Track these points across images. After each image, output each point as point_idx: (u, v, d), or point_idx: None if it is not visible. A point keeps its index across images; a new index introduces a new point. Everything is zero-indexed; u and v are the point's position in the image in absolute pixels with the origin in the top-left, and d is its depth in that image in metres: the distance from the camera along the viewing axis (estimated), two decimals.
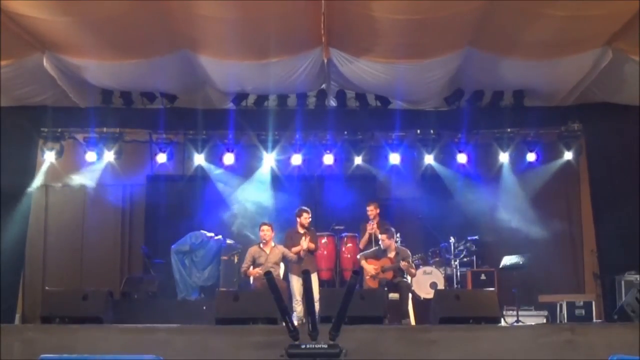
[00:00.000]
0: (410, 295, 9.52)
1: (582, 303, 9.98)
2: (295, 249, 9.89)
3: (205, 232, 11.34)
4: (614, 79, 9.23)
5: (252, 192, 11.42)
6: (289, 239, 10.06)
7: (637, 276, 9.36)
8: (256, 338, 6.78)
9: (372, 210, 10.39)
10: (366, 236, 10.27)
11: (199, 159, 10.85)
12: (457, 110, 10.30)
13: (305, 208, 10.19)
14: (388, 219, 10.80)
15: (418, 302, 9.92)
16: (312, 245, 9.96)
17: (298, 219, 10.08)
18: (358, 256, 9.96)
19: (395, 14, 7.63)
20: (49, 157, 10.57)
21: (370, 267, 9.60)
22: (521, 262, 10.05)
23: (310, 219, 10.08)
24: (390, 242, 9.70)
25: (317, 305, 7.74)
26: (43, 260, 11.77)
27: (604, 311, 9.96)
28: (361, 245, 10.41)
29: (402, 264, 9.46)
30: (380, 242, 9.77)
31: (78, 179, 11.48)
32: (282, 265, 9.93)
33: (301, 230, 10.03)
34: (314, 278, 9.92)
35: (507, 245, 10.90)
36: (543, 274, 10.96)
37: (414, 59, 8.76)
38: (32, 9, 7.52)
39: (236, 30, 8.08)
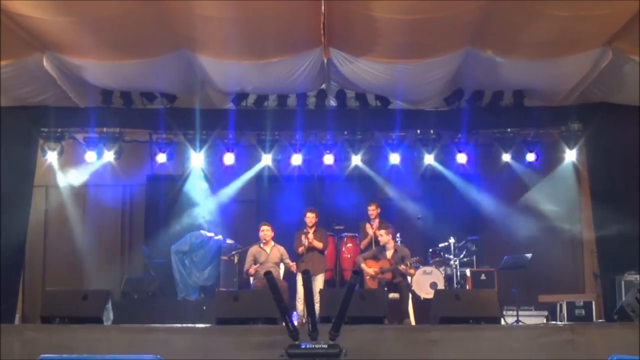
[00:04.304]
0: (410, 295, 9.55)
1: (582, 303, 9.99)
2: (300, 249, 9.95)
3: (205, 232, 11.35)
4: (614, 79, 9.22)
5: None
6: (297, 239, 10.13)
7: (637, 276, 9.36)
8: (256, 338, 6.79)
9: (373, 210, 10.42)
10: (367, 238, 10.29)
11: (196, 159, 10.85)
12: (457, 110, 10.29)
13: (310, 208, 10.26)
14: (388, 219, 10.81)
15: (418, 302, 9.92)
16: (318, 244, 9.99)
17: (305, 219, 10.15)
18: (357, 259, 9.98)
19: (395, 14, 7.62)
20: (49, 157, 10.57)
21: (369, 270, 9.62)
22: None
23: (314, 219, 10.12)
24: (388, 238, 9.73)
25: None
26: (43, 260, 11.79)
27: (604, 311, 9.95)
28: (362, 246, 10.43)
29: (402, 267, 9.49)
30: (379, 238, 9.80)
31: (78, 179, 11.47)
32: (282, 265, 9.95)
33: (308, 230, 10.07)
34: (321, 277, 9.96)
35: (507, 245, 10.90)
36: (543, 274, 10.97)
37: (414, 59, 8.75)
38: (32, 9, 7.52)
39: (236, 30, 8.07)
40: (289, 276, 9.94)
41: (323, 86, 10.06)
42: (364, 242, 10.38)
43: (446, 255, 10.80)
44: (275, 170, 11.26)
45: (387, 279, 9.54)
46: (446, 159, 11.05)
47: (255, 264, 9.70)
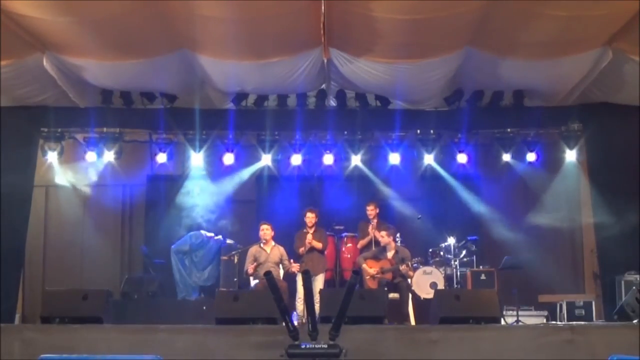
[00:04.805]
0: (410, 295, 9.55)
1: (582, 303, 9.98)
2: (301, 249, 9.95)
3: (205, 232, 11.35)
4: (614, 79, 9.23)
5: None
6: (297, 239, 10.14)
7: (637, 276, 9.36)
8: (256, 338, 6.79)
9: (371, 210, 10.41)
10: (366, 239, 10.29)
11: (196, 159, 10.84)
12: (457, 110, 10.29)
13: (310, 208, 10.26)
14: (388, 219, 10.81)
15: (418, 302, 9.92)
16: (318, 244, 9.99)
17: (305, 219, 10.15)
18: (357, 259, 9.98)
19: (395, 14, 7.62)
20: (49, 157, 10.57)
21: (370, 270, 9.62)
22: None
23: (314, 219, 10.12)
24: (389, 240, 9.73)
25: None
26: (43, 260, 11.78)
27: (604, 311, 9.95)
28: (359, 246, 10.43)
29: (402, 267, 9.49)
30: (379, 239, 9.79)
31: (78, 179, 11.47)
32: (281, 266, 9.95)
33: (307, 230, 10.07)
34: (321, 277, 9.96)
35: (507, 245, 10.90)
36: (543, 274, 10.96)
37: (414, 59, 8.75)
38: (32, 9, 7.52)
39: (236, 30, 8.08)
40: (289, 276, 9.93)
41: (323, 86, 10.06)
42: (362, 242, 10.37)
43: (446, 255, 10.79)
44: (275, 170, 11.26)
45: (387, 279, 9.55)
46: (446, 159, 11.05)
47: (255, 263, 9.69)
